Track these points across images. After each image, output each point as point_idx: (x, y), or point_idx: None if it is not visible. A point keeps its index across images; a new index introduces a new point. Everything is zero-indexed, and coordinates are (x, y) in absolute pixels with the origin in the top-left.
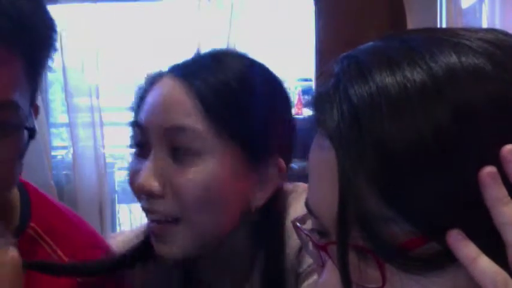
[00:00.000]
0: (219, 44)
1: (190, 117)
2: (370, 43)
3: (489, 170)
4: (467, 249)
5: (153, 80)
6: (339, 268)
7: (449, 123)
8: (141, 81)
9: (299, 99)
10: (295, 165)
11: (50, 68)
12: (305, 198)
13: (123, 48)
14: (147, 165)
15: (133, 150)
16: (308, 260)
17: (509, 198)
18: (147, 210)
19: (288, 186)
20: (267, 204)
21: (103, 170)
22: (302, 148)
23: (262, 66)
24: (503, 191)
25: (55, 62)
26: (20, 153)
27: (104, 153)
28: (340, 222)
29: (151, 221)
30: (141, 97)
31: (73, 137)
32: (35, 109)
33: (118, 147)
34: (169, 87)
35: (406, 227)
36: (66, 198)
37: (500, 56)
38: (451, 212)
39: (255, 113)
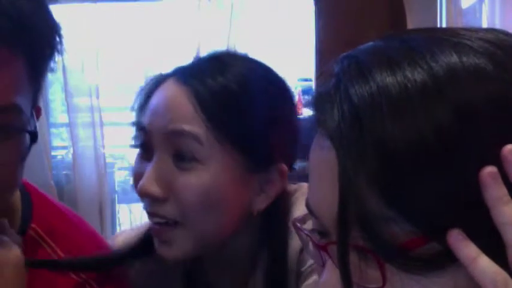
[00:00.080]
0: (219, 44)
1: (191, 123)
2: (370, 43)
3: (490, 169)
4: (467, 249)
5: (157, 83)
6: (339, 268)
7: (450, 123)
8: (142, 81)
9: (299, 99)
10: (295, 165)
11: (52, 69)
12: (305, 199)
13: (123, 48)
14: (149, 170)
15: (136, 150)
16: (309, 260)
17: (509, 198)
18: (149, 213)
19: (292, 186)
20: (269, 207)
21: (103, 170)
22: (302, 148)
23: (267, 70)
24: (503, 191)
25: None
26: (21, 156)
27: (104, 153)
28: (341, 222)
29: (153, 223)
30: (146, 99)
31: (73, 137)
32: (37, 111)
33: (118, 147)
34: (172, 91)
35: (406, 227)
36: (66, 198)
37: (500, 55)
38: (451, 212)
39: (257, 120)
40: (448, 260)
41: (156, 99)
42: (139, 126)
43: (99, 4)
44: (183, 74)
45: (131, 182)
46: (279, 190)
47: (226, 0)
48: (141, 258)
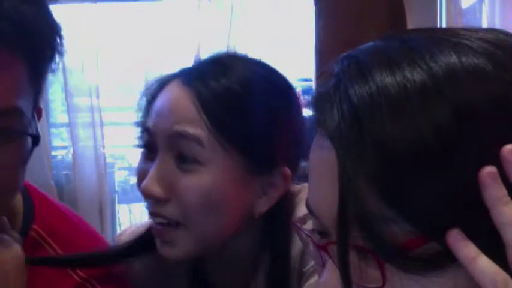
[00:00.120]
0: (219, 44)
1: (194, 125)
2: (370, 43)
3: (489, 169)
4: (467, 249)
5: (162, 84)
6: (339, 268)
7: (450, 123)
8: (142, 81)
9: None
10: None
11: (53, 70)
12: (305, 198)
13: (123, 48)
14: (152, 171)
15: (139, 150)
16: (312, 260)
17: (509, 198)
18: (151, 213)
19: (295, 187)
20: (272, 209)
21: (103, 170)
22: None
23: (271, 72)
24: (503, 191)
25: None
26: (23, 159)
27: (104, 153)
28: (340, 222)
29: (155, 224)
30: (151, 100)
31: (73, 137)
32: (38, 112)
33: (118, 147)
34: (176, 93)
35: (406, 227)
36: (66, 198)
37: (500, 56)
38: (451, 212)
39: (259, 123)
40: (448, 260)
41: (160, 101)
42: (144, 128)
43: (99, 4)
44: (187, 76)
45: (131, 182)
46: (281, 193)
47: (226, 0)
48: (141, 256)
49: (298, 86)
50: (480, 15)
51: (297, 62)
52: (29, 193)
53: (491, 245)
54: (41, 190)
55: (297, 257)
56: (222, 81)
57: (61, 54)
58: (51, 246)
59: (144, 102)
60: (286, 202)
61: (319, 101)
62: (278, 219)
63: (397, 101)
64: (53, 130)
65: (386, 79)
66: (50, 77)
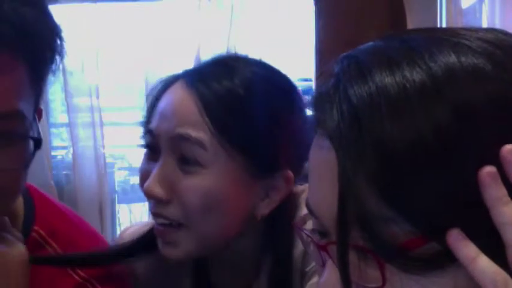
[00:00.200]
0: (219, 45)
1: (196, 128)
2: (370, 43)
3: (489, 169)
4: (467, 249)
5: (166, 85)
6: (339, 268)
7: (449, 123)
8: (142, 81)
9: None
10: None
11: (54, 72)
12: (305, 198)
13: (123, 48)
14: (155, 172)
15: (141, 150)
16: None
17: (509, 198)
18: (154, 214)
19: (299, 187)
20: (274, 210)
21: (103, 170)
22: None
23: (275, 74)
24: (503, 191)
25: None
26: (25, 162)
27: (104, 153)
28: (340, 222)
29: (157, 224)
30: (154, 100)
31: (73, 137)
32: (39, 113)
33: (118, 147)
34: (179, 95)
35: (406, 227)
36: (66, 198)
37: (500, 55)
38: (450, 212)
39: (262, 126)
40: (448, 260)
41: (163, 103)
42: (147, 129)
43: (99, 4)
44: (190, 77)
45: (131, 182)
46: (284, 196)
47: (227, 0)
48: (142, 256)
49: (298, 86)
50: (480, 15)
51: (297, 62)
52: (30, 194)
53: (491, 245)
54: (41, 190)
55: (299, 257)
56: (224, 83)
57: (61, 55)
58: (52, 246)
59: (148, 102)
60: (289, 203)
61: (319, 101)
62: (280, 221)
63: (396, 101)
64: (53, 130)
65: (386, 79)
66: (50, 77)
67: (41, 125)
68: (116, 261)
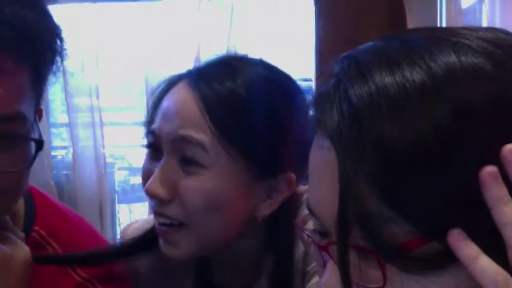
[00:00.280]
0: (219, 44)
1: (198, 129)
2: (370, 43)
3: (490, 169)
4: (468, 249)
5: (170, 84)
6: (339, 268)
7: (449, 123)
8: (142, 81)
9: None
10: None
11: (54, 73)
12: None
13: (123, 48)
14: (156, 172)
15: (145, 147)
16: None
17: (509, 197)
18: (156, 213)
19: (301, 187)
20: (275, 211)
21: (103, 170)
22: None
23: (279, 75)
24: (504, 191)
25: None
26: (27, 164)
27: (104, 153)
28: (340, 222)
29: (159, 224)
30: (158, 99)
31: (73, 137)
32: (39, 113)
33: (118, 147)
34: (182, 95)
35: (406, 227)
36: (66, 198)
37: (500, 55)
38: (451, 212)
39: (264, 128)
40: (448, 260)
41: (166, 103)
42: (150, 130)
43: (99, 4)
44: (193, 77)
45: (131, 182)
46: (285, 197)
47: (227, 0)
48: (143, 254)
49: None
50: (480, 15)
51: (297, 62)
52: (31, 194)
53: (492, 244)
54: (41, 190)
55: (301, 257)
56: (227, 84)
57: (62, 56)
58: (53, 246)
59: (151, 101)
60: (290, 204)
61: (319, 101)
62: (282, 221)
63: (396, 101)
64: (53, 130)
65: (386, 79)
66: (51, 78)
67: (41, 125)
68: (118, 259)
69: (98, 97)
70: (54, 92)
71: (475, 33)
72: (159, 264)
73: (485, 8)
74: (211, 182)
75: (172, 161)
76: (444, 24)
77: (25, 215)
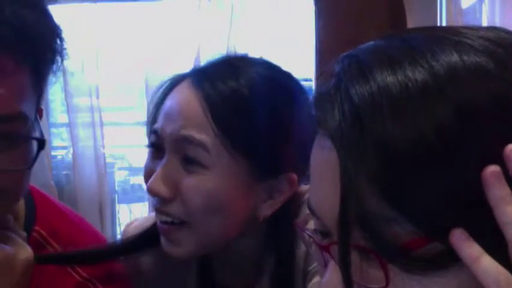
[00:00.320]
0: (219, 44)
1: (200, 130)
2: (371, 42)
3: (493, 169)
4: (470, 249)
5: (174, 83)
6: (341, 268)
7: (451, 122)
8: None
9: None
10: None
11: (55, 73)
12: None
13: (123, 48)
14: (158, 170)
15: (148, 147)
16: None
17: None
18: (157, 211)
19: (303, 187)
20: (277, 211)
21: (103, 170)
22: None
23: (282, 75)
24: (506, 190)
25: None
26: (28, 164)
27: (104, 153)
28: (342, 222)
29: (161, 222)
30: (162, 98)
31: (73, 137)
32: (40, 112)
33: (118, 147)
34: (185, 95)
35: (408, 227)
36: (66, 198)
37: (501, 54)
38: (453, 212)
39: (266, 128)
40: (451, 259)
41: (169, 102)
42: (152, 129)
43: (99, 4)
44: (197, 77)
45: (131, 182)
46: (287, 198)
47: (227, 0)
48: (145, 251)
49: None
50: (480, 15)
51: (297, 62)
52: (31, 194)
53: (494, 244)
54: (41, 190)
55: (302, 257)
56: (230, 84)
57: (62, 56)
58: (53, 246)
59: (154, 100)
60: (292, 204)
61: (320, 100)
62: (283, 221)
63: (398, 101)
64: (53, 130)
65: (388, 78)
66: (51, 77)
67: (41, 125)
68: (120, 256)
69: (98, 97)
70: (54, 92)
71: (476, 32)
72: (162, 261)
73: (485, 8)
74: (212, 181)
75: (174, 160)
76: (444, 24)
77: (25, 215)
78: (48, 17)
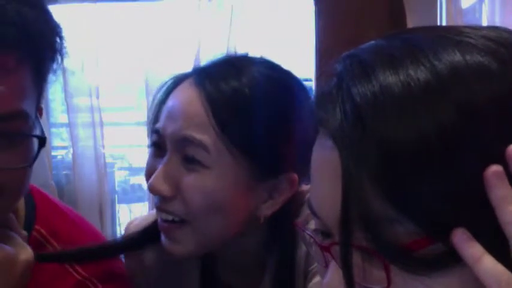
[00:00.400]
0: (219, 44)
1: (201, 130)
2: (372, 42)
3: (495, 169)
4: (472, 249)
5: (176, 82)
6: (342, 269)
7: (453, 122)
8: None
9: None
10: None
11: (55, 71)
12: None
13: (123, 48)
14: (160, 169)
15: (149, 147)
16: None
17: None
18: (158, 209)
19: (304, 186)
20: (278, 211)
21: (103, 170)
22: None
23: (284, 75)
24: (508, 190)
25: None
26: (29, 162)
27: (104, 153)
28: (343, 222)
29: (161, 220)
30: (164, 96)
31: (73, 137)
32: (39, 111)
33: (118, 147)
34: (187, 94)
35: (410, 228)
36: (66, 198)
37: (504, 53)
38: (455, 212)
39: (267, 128)
40: (453, 260)
41: (171, 102)
42: (154, 129)
43: (99, 4)
44: (199, 76)
45: (131, 182)
46: (287, 198)
47: (227, 0)
48: (147, 247)
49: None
50: (480, 15)
51: (297, 62)
52: (31, 194)
53: (496, 244)
54: (42, 190)
55: (303, 257)
56: (232, 83)
57: (62, 54)
58: (53, 246)
59: (157, 99)
60: (293, 204)
61: (321, 100)
62: (284, 221)
63: (400, 100)
64: (53, 130)
65: (390, 78)
66: (51, 76)
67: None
68: (121, 253)
69: (98, 97)
70: (54, 91)
71: (478, 31)
72: (164, 258)
73: (485, 8)
74: (212, 181)
75: (175, 159)
76: (444, 24)
77: (26, 214)
78: (48, 15)
